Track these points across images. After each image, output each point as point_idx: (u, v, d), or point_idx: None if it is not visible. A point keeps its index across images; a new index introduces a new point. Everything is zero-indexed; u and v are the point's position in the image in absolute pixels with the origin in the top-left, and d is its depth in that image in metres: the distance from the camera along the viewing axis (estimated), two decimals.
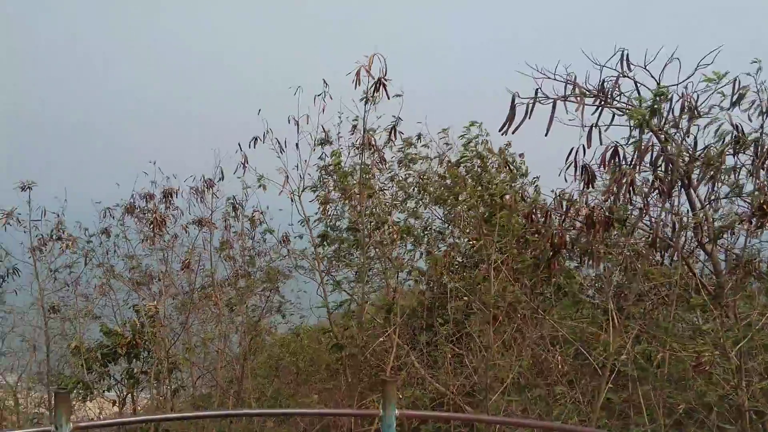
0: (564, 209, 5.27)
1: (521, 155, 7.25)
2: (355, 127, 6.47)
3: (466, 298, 6.98)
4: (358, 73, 5.09)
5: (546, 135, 5.35)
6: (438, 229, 7.16)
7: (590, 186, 5.10)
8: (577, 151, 5.10)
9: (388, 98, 5.34)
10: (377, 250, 6.71)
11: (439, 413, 4.99)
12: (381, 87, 5.19)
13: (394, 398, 3.64)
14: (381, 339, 6.54)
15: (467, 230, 6.96)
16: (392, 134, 6.12)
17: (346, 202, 6.77)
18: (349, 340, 7.21)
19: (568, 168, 5.12)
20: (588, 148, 5.05)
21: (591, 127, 5.11)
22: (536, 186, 7.43)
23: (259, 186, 7.36)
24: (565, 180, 5.20)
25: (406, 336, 7.15)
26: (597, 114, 5.23)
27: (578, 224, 5.33)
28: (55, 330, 7.19)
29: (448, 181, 7.35)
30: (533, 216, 5.27)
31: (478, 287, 6.03)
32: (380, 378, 3.62)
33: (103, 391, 7.78)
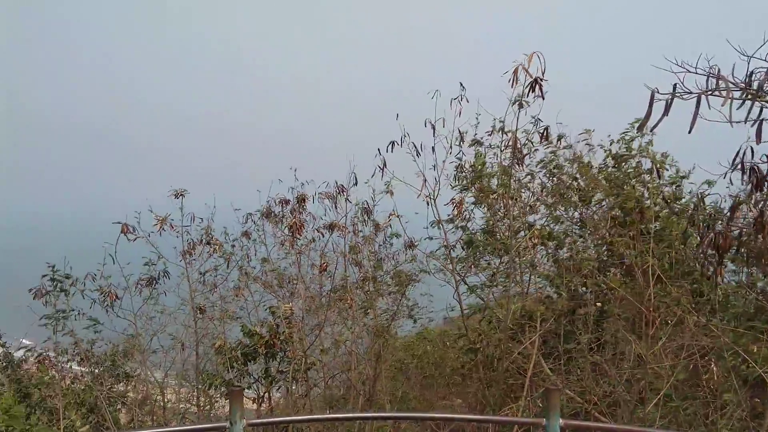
0: (728, 212, 4.98)
1: (664, 155, 6.95)
2: (495, 129, 6.40)
3: (600, 304, 6.76)
4: (515, 72, 5.02)
5: (689, 132, 5.05)
6: (578, 233, 6.97)
7: (760, 189, 4.77)
8: (744, 152, 4.79)
9: (543, 98, 5.23)
10: (517, 254, 6.60)
11: (605, 425, 4.81)
12: (536, 87, 5.07)
13: (558, 407, 3.54)
14: (523, 345, 6.41)
15: (607, 233, 6.75)
16: (544, 136, 6.00)
17: (486, 204, 6.70)
18: (484, 344, 7.15)
19: (734, 169, 4.82)
20: (758, 144, 4.73)
21: (759, 121, 4.78)
22: (678, 186, 7.10)
23: (387, 192, 7.46)
24: (731, 182, 4.91)
25: (537, 342, 7.01)
26: (746, 108, 4.89)
27: (743, 228, 5.03)
28: (203, 329, 7.55)
29: (582, 183, 7.16)
30: (694, 219, 5.00)
31: (627, 292, 5.80)
32: (546, 387, 3.53)
33: (244, 389, 8.08)
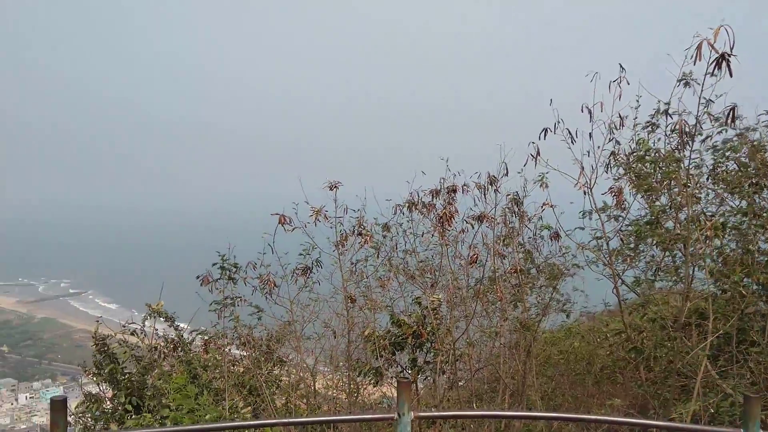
0: None
1: None
2: (659, 111, 5.97)
3: None
4: (699, 47, 4.64)
5: None
6: (754, 223, 6.36)
7: None
8: None
9: (731, 75, 4.79)
10: (692, 246, 6.14)
11: None
12: (723, 63, 4.66)
13: (758, 416, 3.21)
14: (694, 345, 5.96)
15: None
16: (730, 118, 5.52)
17: (649, 193, 6.29)
18: (646, 343, 6.75)
19: None
20: None
21: None
22: None
23: (540, 182, 7.21)
24: None
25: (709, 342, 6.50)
26: None
27: None
28: (354, 318, 7.72)
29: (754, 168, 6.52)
30: None
31: None
32: (745, 395, 3.20)
33: (391, 378, 8.19)
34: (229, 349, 8.45)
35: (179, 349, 7.28)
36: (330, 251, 7.57)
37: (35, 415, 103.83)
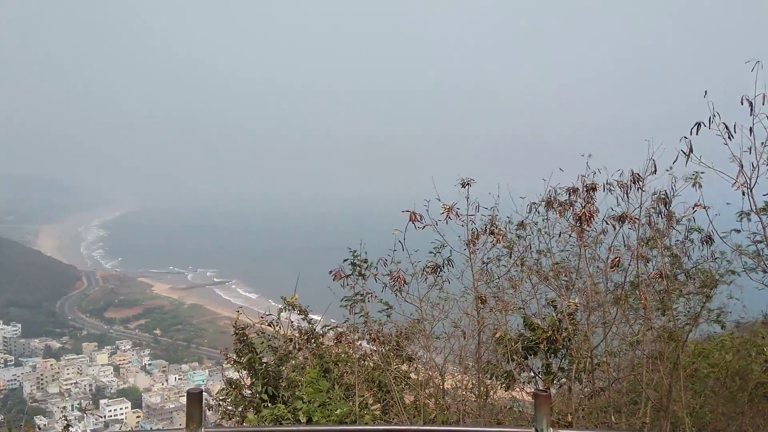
0: None
1: None
2: None
3: None
4: None
5: None
6: None
7: None
8: None
9: None
10: None
11: None
12: None
13: None
14: None
15: None
16: None
17: None
18: None
19: None
20: None
21: None
22: None
23: (693, 181, 6.62)
24: None
25: None
26: None
27: None
28: (484, 319, 7.53)
29: None
30: None
31: None
32: None
33: (523, 383, 7.91)
34: (360, 344, 8.55)
35: (311, 342, 7.45)
36: (461, 250, 7.42)
37: (183, 396, 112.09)
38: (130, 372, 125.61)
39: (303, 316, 7.39)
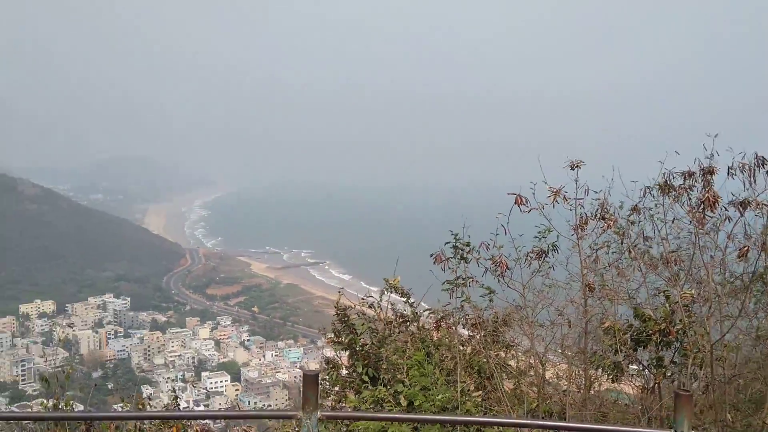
0: None
1: None
2: None
3: None
4: None
5: None
6: None
7: None
8: None
9: None
10: None
11: None
12: None
13: None
14: None
15: None
16: None
17: None
18: None
19: None
20: None
21: None
22: None
23: None
24: None
25: None
26: None
27: None
28: (591, 307, 7.20)
29: None
30: None
31: None
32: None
33: (632, 376, 7.54)
34: (456, 329, 8.42)
35: (409, 324, 7.39)
36: (568, 235, 7.11)
37: (279, 371, 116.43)
38: (229, 347, 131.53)
39: (405, 299, 7.32)
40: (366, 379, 6.10)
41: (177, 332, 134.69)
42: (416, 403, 5.46)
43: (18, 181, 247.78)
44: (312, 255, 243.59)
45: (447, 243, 7.05)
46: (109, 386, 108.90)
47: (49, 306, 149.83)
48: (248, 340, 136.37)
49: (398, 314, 7.79)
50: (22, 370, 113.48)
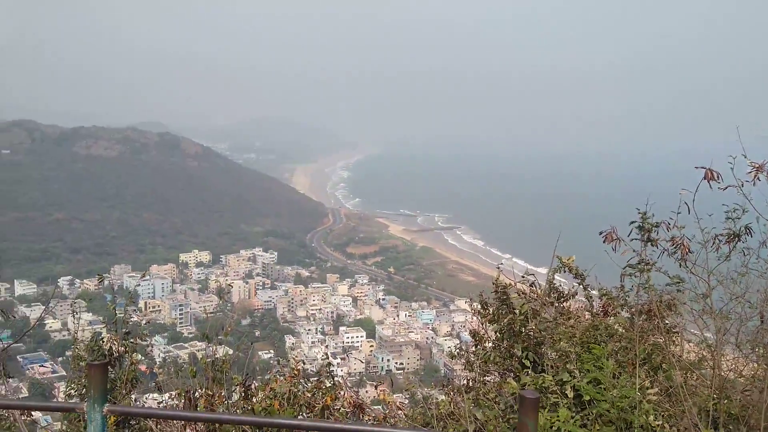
0: None
1: None
2: None
3: None
4: None
5: None
6: None
7: None
8: None
9: None
10: None
11: None
12: None
13: None
14: None
15: None
16: None
17: None
18: None
19: None
20: None
21: None
22: None
23: None
24: None
25: None
26: None
27: None
28: None
29: None
30: None
31: None
32: None
33: None
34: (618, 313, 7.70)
35: (578, 308, 6.81)
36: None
37: (412, 331, 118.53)
38: (366, 304, 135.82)
39: (579, 281, 6.74)
40: (527, 363, 5.67)
41: (318, 287, 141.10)
42: (585, 397, 4.96)
43: (181, 139, 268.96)
44: (446, 219, 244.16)
45: (632, 222, 6.31)
46: (257, 333, 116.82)
47: (205, 256, 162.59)
48: (383, 299, 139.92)
49: (563, 295, 7.17)
50: (180, 314, 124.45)
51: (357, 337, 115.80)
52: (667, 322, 7.90)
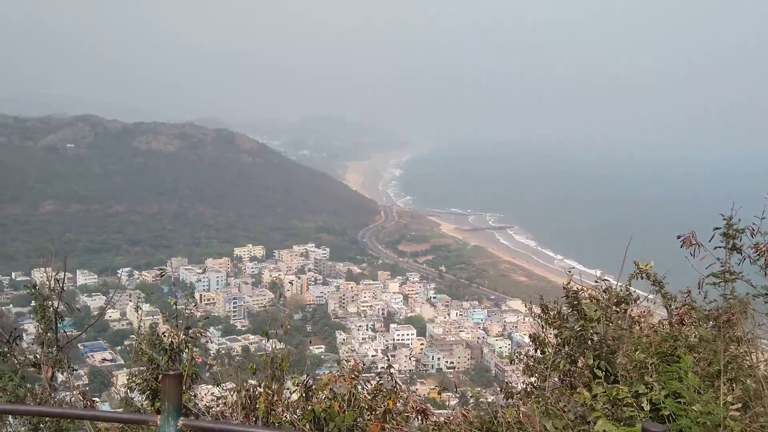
0: None
1: None
2: None
3: None
4: None
5: None
6: None
7: None
8: None
9: None
10: None
11: None
12: None
13: None
14: None
15: None
16: None
17: None
18: None
19: None
20: None
21: None
22: None
23: None
24: None
25: None
26: None
27: None
28: None
29: None
30: None
31: None
32: None
33: None
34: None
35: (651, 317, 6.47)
36: None
37: (462, 330, 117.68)
38: (416, 302, 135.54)
39: (657, 288, 6.39)
40: (599, 374, 5.40)
41: (369, 284, 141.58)
42: (663, 412, 4.67)
43: (236, 135, 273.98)
44: (497, 219, 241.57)
45: (716, 228, 5.94)
46: (308, 328, 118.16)
47: (259, 251, 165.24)
48: (434, 298, 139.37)
49: (633, 302, 6.79)
50: (233, 307, 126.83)
51: (407, 334, 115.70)
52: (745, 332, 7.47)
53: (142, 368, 7.89)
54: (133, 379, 8.31)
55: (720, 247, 5.91)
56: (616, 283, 6.84)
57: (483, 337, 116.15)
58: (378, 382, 6.61)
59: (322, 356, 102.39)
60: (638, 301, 6.80)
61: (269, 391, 6.52)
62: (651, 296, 6.64)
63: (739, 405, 5.23)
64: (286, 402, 6.56)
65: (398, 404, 6.38)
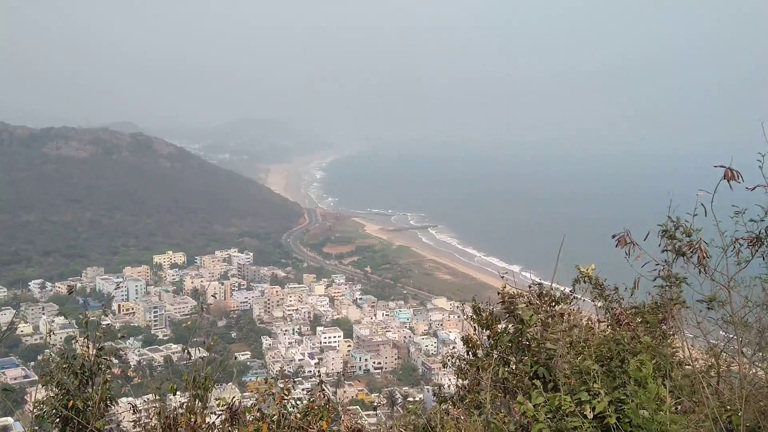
0: None
1: None
2: None
3: None
4: None
5: None
6: None
7: None
8: None
9: None
10: None
11: None
12: None
13: None
14: None
15: None
16: None
17: None
18: None
19: None
20: None
21: None
22: None
23: None
24: None
25: None
26: None
27: None
28: None
29: None
30: None
31: None
32: None
33: None
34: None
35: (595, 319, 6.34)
36: None
37: (389, 330, 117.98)
38: (343, 304, 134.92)
39: (598, 292, 6.23)
40: (538, 384, 5.15)
41: (295, 287, 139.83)
42: (608, 421, 4.49)
43: (154, 140, 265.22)
44: (420, 218, 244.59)
45: (665, 232, 5.79)
46: (233, 335, 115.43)
47: (180, 257, 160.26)
48: (361, 299, 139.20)
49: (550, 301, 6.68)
50: (154, 316, 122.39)
51: (334, 337, 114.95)
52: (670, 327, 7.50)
53: (50, 394, 7.15)
54: (41, 407, 7.53)
55: (666, 251, 5.81)
56: (550, 284, 6.73)
57: (409, 336, 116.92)
58: (309, 399, 6.18)
59: (248, 362, 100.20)
60: (571, 302, 6.71)
61: (191, 416, 5.98)
62: (583, 298, 6.51)
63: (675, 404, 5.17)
64: (209, 426, 6.04)
65: (332, 425, 5.97)
